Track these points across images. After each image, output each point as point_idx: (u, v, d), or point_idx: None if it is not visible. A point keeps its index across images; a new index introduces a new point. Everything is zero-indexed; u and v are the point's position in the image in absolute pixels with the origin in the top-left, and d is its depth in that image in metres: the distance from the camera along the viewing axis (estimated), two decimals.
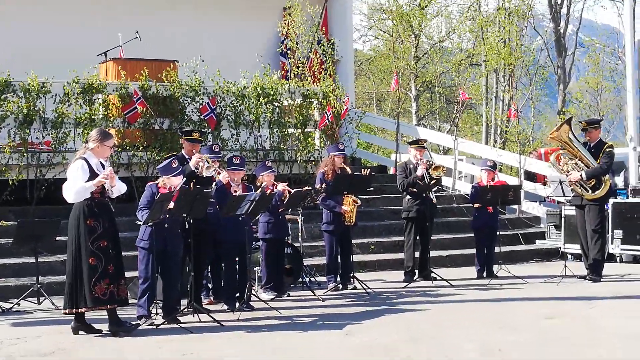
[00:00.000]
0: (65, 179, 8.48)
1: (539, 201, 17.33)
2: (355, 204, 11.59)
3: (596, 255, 11.98)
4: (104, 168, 8.50)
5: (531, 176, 18.58)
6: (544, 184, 16.31)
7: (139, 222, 9.03)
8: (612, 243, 14.04)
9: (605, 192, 11.98)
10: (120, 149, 14.26)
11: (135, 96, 14.11)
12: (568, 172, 12.02)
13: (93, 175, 8.34)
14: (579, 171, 11.91)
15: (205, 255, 10.08)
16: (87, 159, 8.42)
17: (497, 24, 26.74)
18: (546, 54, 34.58)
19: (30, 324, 9.43)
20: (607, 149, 12.06)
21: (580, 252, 12.46)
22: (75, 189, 8.30)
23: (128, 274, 8.97)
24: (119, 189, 8.59)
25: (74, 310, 8.40)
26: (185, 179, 9.41)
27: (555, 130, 12.28)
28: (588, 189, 11.93)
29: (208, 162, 9.84)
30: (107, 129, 13.87)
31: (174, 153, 10.08)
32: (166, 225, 8.93)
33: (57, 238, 10.77)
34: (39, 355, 7.69)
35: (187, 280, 9.59)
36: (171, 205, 8.72)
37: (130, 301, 8.85)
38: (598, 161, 11.93)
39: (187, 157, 10.14)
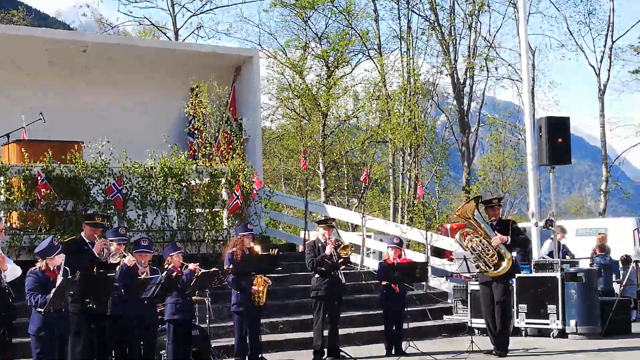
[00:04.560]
0: None
1: (446, 277, 17.53)
2: (266, 284, 11.56)
3: (502, 330, 12.15)
4: None
5: (439, 252, 18.81)
6: (451, 260, 16.52)
7: (40, 310, 8.60)
8: (517, 317, 14.26)
9: (509, 267, 12.14)
10: (22, 232, 13.95)
11: (39, 177, 13.88)
12: (472, 248, 12.19)
13: None
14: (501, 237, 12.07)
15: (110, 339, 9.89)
16: None
17: (401, 103, 27.39)
18: (450, 131, 35.38)
19: None
20: (514, 225, 12.36)
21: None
22: None
23: None
24: (12, 272, 8.34)
25: None
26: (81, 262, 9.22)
27: (460, 207, 12.49)
28: (491, 265, 12.10)
29: (111, 250, 9.74)
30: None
31: (74, 237, 9.90)
32: (62, 310, 8.63)
33: None
34: None
35: None
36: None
37: None
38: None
39: (87, 240, 10.05)
